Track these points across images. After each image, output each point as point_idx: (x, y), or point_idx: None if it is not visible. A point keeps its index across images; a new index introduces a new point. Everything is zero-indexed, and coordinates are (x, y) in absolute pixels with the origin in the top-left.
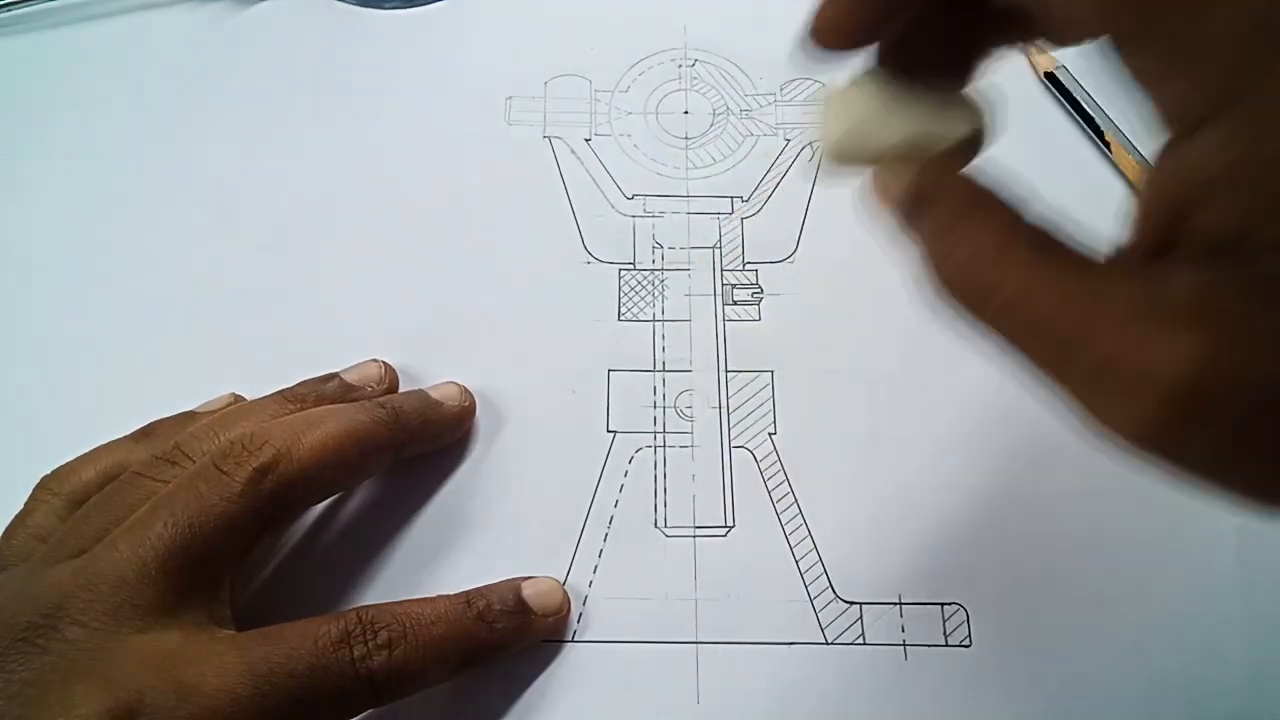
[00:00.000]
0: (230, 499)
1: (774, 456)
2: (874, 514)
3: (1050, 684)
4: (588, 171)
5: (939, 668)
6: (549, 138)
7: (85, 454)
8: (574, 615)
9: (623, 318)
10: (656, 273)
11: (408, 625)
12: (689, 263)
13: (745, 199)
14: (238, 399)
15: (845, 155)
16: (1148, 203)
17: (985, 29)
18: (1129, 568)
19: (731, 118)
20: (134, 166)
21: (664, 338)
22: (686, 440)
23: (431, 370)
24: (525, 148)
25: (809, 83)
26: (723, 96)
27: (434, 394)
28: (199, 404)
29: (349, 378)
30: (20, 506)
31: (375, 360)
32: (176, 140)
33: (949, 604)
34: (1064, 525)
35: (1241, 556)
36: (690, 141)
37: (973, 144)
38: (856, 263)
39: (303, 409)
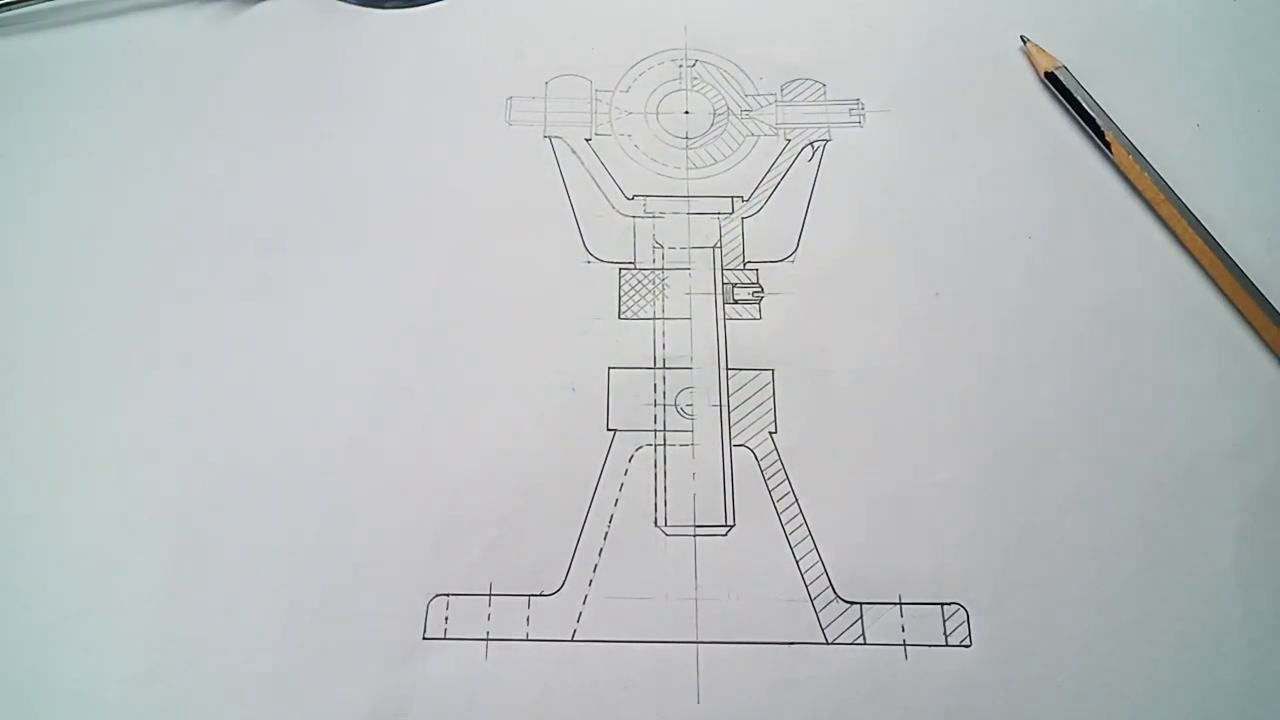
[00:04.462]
0: None
1: (774, 455)
2: (874, 513)
3: (1050, 684)
4: (588, 171)
5: (939, 668)
6: (549, 138)
7: None
8: (574, 615)
9: (623, 316)
10: (657, 272)
11: None
12: (689, 262)
13: (746, 199)
14: None
15: None
16: None
17: None
18: (1129, 568)
19: (732, 118)
20: (134, 166)
21: (664, 335)
22: (687, 439)
23: (431, 369)
24: (526, 148)
25: (809, 83)
26: (723, 96)
27: None
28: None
29: None
30: (17, 506)
31: None
32: (177, 140)
33: (949, 604)
34: (1064, 525)
35: (1241, 557)
36: (691, 141)
37: None
38: (857, 262)
39: None
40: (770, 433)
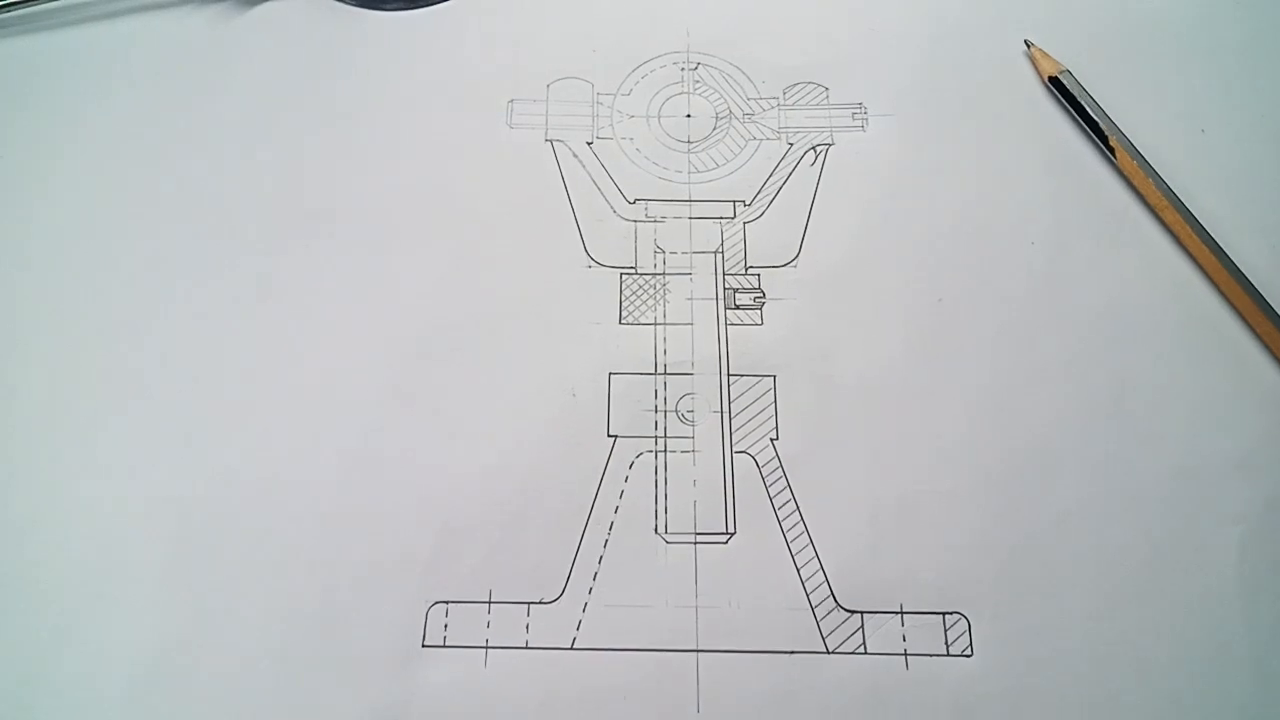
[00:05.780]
0: None
1: (776, 462)
2: (876, 521)
3: (1052, 694)
4: (589, 175)
5: (940, 677)
6: (551, 141)
7: None
8: (574, 622)
9: (624, 321)
10: (658, 277)
11: None
12: (691, 267)
13: (748, 203)
14: None
15: None
16: None
17: None
18: (1131, 577)
19: (734, 121)
20: (133, 168)
21: (665, 340)
22: (688, 445)
23: (431, 375)
24: (527, 151)
25: (812, 86)
26: (725, 100)
27: None
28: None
29: None
30: (18, 510)
31: None
32: (177, 141)
33: (951, 613)
34: (1066, 533)
35: (1244, 566)
36: (693, 145)
37: None
38: (860, 267)
39: None
40: (772, 439)
